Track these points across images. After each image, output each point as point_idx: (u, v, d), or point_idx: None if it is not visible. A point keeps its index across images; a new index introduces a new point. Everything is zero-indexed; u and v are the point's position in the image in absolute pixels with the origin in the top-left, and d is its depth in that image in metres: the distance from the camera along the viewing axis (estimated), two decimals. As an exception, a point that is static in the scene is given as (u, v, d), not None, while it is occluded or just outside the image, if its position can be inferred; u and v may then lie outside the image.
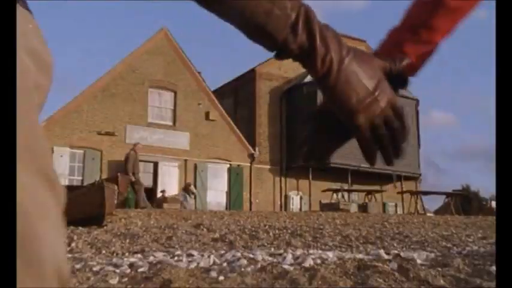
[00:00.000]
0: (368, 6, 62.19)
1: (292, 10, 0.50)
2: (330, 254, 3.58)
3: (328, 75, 0.51)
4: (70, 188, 9.72)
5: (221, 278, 2.95)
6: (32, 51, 0.47)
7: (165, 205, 13.67)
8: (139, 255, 4.22)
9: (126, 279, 3.14)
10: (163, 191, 15.17)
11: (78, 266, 3.64)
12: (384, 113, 0.52)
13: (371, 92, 0.51)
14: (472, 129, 71.12)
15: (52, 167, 0.45)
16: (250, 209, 16.10)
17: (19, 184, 0.42)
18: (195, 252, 3.93)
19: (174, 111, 16.70)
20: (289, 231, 5.81)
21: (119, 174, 9.17)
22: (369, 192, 16.05)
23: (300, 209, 17.63)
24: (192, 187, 15.23)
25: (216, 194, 17.14)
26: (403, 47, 0.64)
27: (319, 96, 17.42)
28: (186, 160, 16.62)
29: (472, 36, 70.26)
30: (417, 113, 20.54)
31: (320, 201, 15.77)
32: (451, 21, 0.68)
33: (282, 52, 0.52)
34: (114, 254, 4.55)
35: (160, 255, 4.08)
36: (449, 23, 0.68)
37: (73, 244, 5.32)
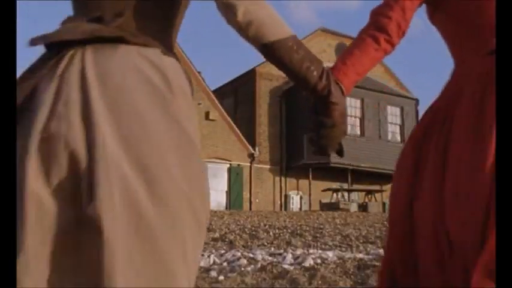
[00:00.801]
0: (361, 5, 62.31)
1: (320, 67, 0.92)
2: (330, 254, 3.58)
3: (332, 103, 0.94)
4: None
5: (221, 277, 2.96)
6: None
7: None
8: (139, 255, 4.22)
9: (126, 278, 3.15)
10: None
11: (78, 266, 3.65)
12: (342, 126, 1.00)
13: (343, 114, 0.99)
14: None
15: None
16: (250, 209, 16.10)
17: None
18: (195, 252, 3.94)
19: (174, 111, 16.69)
20: (289, 230, 5.82)
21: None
22: (368, 192, 16.05)
23: (300, 209, 17.63)
24: None
25: (216, 193, 17.15)
26: (347, 76, 1.05)
27: (319, 96, 17.33)
28: (186, 160, 16.62)
29: None
30: (417, 112, 20.54)
31: (320, 201, 15.78)
32: (371, 64, 1.09)
33: (312, 91, 0.93)
34: (115, 254, 4.56)
35: (160, 255, 4.09)
36: (370, 65, 1.09)
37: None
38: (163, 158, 0.74)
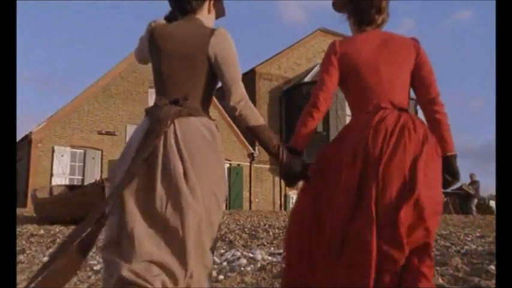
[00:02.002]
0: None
1: (276, 142, 1.75)
2: (330, 253, 3.58)
3: (281, 162, 1.76)
4: (71, 188, 9.72)
5: (221, 277, 2.96)
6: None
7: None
8: (139, 255, 4.21)
9: (126, 278, 3.14)
10: None
11: (78, 265, 3.64)
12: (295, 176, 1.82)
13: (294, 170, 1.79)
14: (460, 129, 70.84)
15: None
16: (250, 208, 16.10)
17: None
18: (195, 252, 3.93)
19: (174, 110, 16.69)
20: (289, 230, 5.81)
21: (118, 173, 9.14)
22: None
23: (300, 209, 17.59)
24: None
25: (215, 193, 17.13)
26: (299, 145, 1.84)
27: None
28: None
29: (458, 37, 69.97)
30: (416, 112, 20.55)
31: (320, 201, 15.71)
32: (313, 129, 1.82)
33: (270, 154, 1.77)
34: (114, 254, 4.55)
35: (160, 255, 4.08)
36: (313, 130, 1.82)
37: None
38: (207, 172, 1.61)
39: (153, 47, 1.76)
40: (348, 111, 20.80)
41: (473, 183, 14.15)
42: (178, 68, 1.71)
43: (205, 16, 1.81)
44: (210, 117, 1.75)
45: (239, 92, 1.72)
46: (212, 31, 1.73)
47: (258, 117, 1.73)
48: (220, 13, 1.90)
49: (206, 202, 1.56)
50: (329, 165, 1.71)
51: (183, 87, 1.70)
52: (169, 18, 1.82)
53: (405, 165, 1.52)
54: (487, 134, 66.86)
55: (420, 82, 1.76)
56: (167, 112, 1.63)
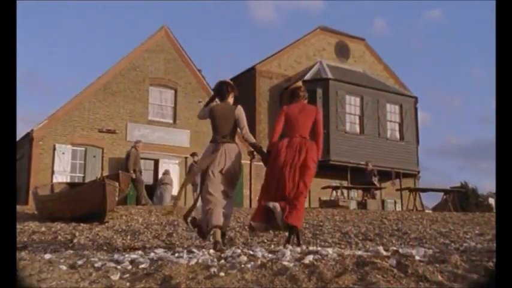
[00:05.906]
0: (325, 5, 60.90)
1: (260, 147, 4.72)
2: (330, 251, 3.59)
3: (262, 154, 4.61)
4: (72, 185, 9.73)
5: (221, 274, 2.97)
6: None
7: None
8: (140, 252, 4.23)
9: (127, 275, 3.15)
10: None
11: (79, 262, 3.65)
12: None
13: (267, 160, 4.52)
14: (448, 128, 70.62)
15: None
16: (250, 206, 16.11)
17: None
18: (195, 249, 3.95)
19: (175, 108, 16.68)
20: (289, 228, 5.82)
21: (119, 171, 9.16)
22: (368, 190, 16.04)
23: (300, 206, 17.55)
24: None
25: (216, 191, 17.10)
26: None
27: (318, 94, 17.24)
28: (186, 157, 16.62)
29: (431, 35, 69.64)
30: (416, 110, 20.51)
31: (319, 198, 15.78)
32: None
33: (258, 153, 4.68)
34: (116, 250, 4.57)
35: (161, 252, 4.10)
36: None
37: (75, 240, 5.33)
38: (232, 166, 4.20)
39: (212, 114, 4.25)
40: (348, 110, 20.61)
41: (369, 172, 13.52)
42: (222, 123, 4.18)
43: (230, 98, 4.30)
44: (236, 143, 4.17)
45: (246, 129, 4.21)
46: (235, 107, 4.24)
47: (252, 138, 4.30)
48: (236, 96, 4.38)
49: (229, 176, 4.07)
50: (280, 151, 4.01)
51: (225, 130, 4.15)
52: (212, 99, 4.40)
53: (301, 161, 3.96)
54: (474, 132, 66.78)
55: (315, 128, 4.19)
56: (222, 141, 4.10)
